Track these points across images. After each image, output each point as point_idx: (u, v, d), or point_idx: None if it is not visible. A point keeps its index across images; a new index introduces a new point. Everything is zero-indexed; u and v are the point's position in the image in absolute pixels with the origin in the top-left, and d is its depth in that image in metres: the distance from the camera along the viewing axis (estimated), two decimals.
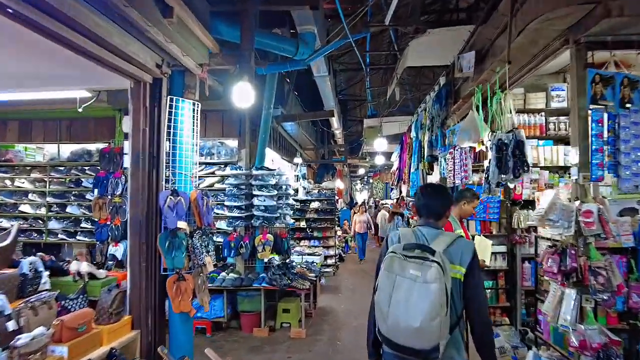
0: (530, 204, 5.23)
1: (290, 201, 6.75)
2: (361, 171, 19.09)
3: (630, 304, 3.20)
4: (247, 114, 6.73)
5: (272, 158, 7.12)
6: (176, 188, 3.72)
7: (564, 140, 5.29)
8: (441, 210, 2.29)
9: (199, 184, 6.89)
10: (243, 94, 3.76)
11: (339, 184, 16.61)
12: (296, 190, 10.09)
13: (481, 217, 5.35)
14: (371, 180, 25.79)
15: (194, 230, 3.79)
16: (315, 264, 7.42)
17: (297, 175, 9.85)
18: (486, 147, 4.28)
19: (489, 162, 3.62)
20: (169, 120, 3.74)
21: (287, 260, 6.90)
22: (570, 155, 3.24)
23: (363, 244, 12.86)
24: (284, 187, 6.57)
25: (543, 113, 5.28)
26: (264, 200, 6.19)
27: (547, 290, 4.26)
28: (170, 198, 3.58)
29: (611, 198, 3.65)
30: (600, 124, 3.13)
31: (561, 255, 3.20)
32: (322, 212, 10.83)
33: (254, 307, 6.29)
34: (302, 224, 10.64)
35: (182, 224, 3.63)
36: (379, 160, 11.13)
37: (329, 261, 10.64)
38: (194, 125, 3.96)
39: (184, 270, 3.70)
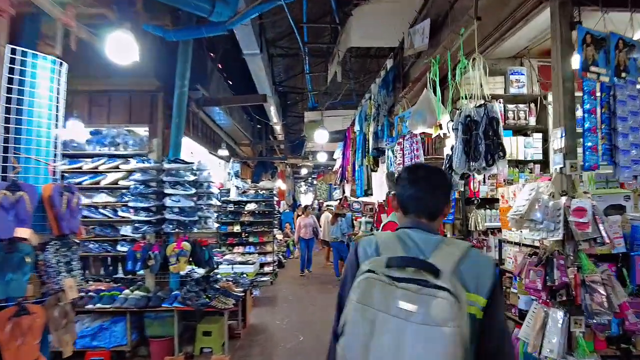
0: (488, 202, 4.59)
1: (214, 202, 5.64)
2: (304, 171, 18.16)
3: (626, 326, 2.52)
4: (161, 95, 5.56)
5: (193, 151, 5.98)
6: (16, 179, 2.53)
7: (523, 131, 4.72)
8: (440, 204, 1.48)
9: (98, 181, 5.59)
10: (121, 48, 2.67)
11: (280, 184, 15.60)
12: (228, 190, 8.94)
13: None
14: (315, 182, 25.02)
15: (47, 241, 2.63)
16: (245, 275, 6.36)
17: (230, 173, 8.71)
18: (443, 134, 3.53)
19: (452, 148, 2.83)
20: (11, 80, 2.57)
21: (211, 273, 5.78)
22: (553, 139, 2.51)
23: (308, 252, 10.90)
24: (205, 184, 5.46)
25: (501, 100, 4.66)
26: (179, 201, 5.05)
27: (514, 305, 3.61)
28: (4, 193, 2.40)
29: (593, 193, 3.00)
30: (593, 97, 2.44)
31: (546, 266, 2.46)
32: (259, 215, 9.75)
33: (165, 331, 5.11)
34: (236, 228, 9.50)
35: (23, 232, 2.46)
36: (322, 158, 10.25)
37: (266, 269, 9.59)
38: (56, 93, 2.80)
39: (31, 300, 2.54)
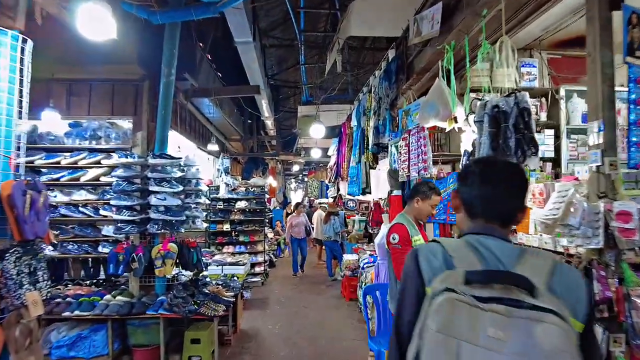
0: None
1: (202, 200, 5.27)
2: (296, 168, 17.76)
3: None
4: (146, 84, 5.16)
5: (180, 145, 5.59)
6: None
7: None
8: (517, 209, 1.24)
9: (78, 177, 5.18)
10: (94, 22, 2.30)
11: (271, 181, 15.21)
12: (217, 188, 8.55)
13: (440, 219, 4.32)
14: (306, 179, 24.63)
15: (7, 249, 2.25)
16: (236, 278, 6.00)
17: (219, 170, 8.31)
18: (458, 128, 3.21)
19: (474, 144, 2.52)
20: None
21: (200, 276, 5.41)
22: (589, 133, 2.21)
23: (301, 252, 10.31)
24: (193, 181, 5.08)
25: None
26: (165, 199, 4.67)
27: None
28: None
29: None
30: (639, 85, 2.14)
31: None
32: (249, 213, 9.38)
33: (150, 340, 4.75)
34: (226, 226, 9.11)
35: None
36: (316, 154, 9.87)
37: (257, 269, 9.23)
38: (19, 75, 2.41)
39: None
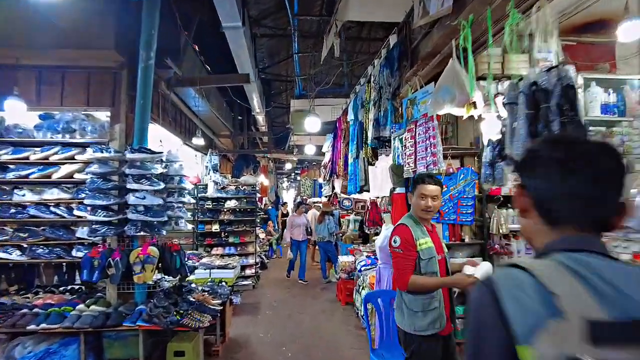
0: (510, 201, 3.95)
1: (187, 199, 4.81)
2: (288, 166, 17.28)
3: None
4: (125, 73, 4.69)
5: (163, 139, 5.13)
6: None
7: None
8: (620, 206, 0.86)
9: (49, 173, 4.70)
10: None
11: (263, 180, 14.76)
12: (205, 186, 8.08)
13: (450, 220, 3.93)
14: (299, 178, 24.18)
15: None
16: (224, 283, 5.56)
17: (207, 167, 7.85)
18: (478, 115, 2.82)
19: (504, 131, 2.12)
20: None
21: (184, 282, 4.96)
22: None
23: (301, 256, 9.49)
24: (176, 178, 4.63)
25: None
26: (144, 198, 4.21)
27: None
28: None
29: None
30: None
31: None
32: (240, 213, 8.93)
33: (129, 353, 4.30)
34: (215, 227, 8.65)
35: None
36: (310, 150, 9.40)
37: (248, 271, 8.79)
38: None
39: None
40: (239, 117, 10.16)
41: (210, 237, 8.67)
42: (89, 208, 4.37)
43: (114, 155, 4.28)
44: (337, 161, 7.42)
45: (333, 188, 8.46)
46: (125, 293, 4.53)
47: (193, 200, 4.98)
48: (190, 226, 4.80)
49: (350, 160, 6.29)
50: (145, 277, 4.23)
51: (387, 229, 4.64)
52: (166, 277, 4.86)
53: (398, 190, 4.32)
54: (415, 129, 3.68)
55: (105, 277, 4.26)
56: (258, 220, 9.51)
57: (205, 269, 6.49)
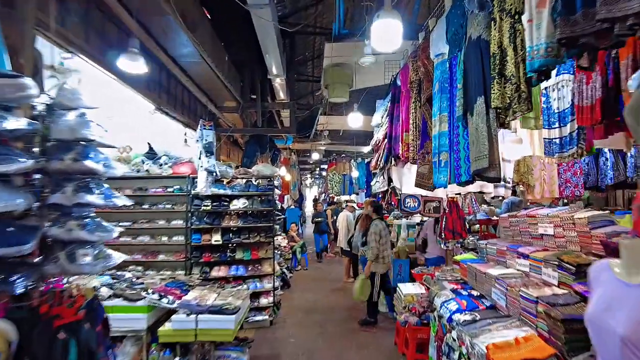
0: None
1: (121, 200, 2.11)
2: (315, 157, 14.33)
3: None
4: None
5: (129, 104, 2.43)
6: None
7: None
8: None
9: None
10: None
11: (284, 172, 12.06)
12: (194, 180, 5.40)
13: None
14: (324, 173, 21.31)
15: None
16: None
17: (198, 148, 5.09)
18: None
19: None
20: None
21: None
22: None
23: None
24: (77, 149, 1.93)
25: None
26: None
27: None
28: None
29: None
30: None
31: None
32: (251, 217, 6.24)
33: None
34: (216, 238, 5.99)
35: None
36: (355, 121, 6.32)
37: (264, 300, 6.11)
38: None
39: None
40: (252, 95, 7.29)
41: (209, 252, 6.00)
42: None
43: None
44: (400, 136, 4.61)
45: (390, 180, 5.61)
46: None
47: (128, 203, 2.21)
48: (115, 259, 2.06)
49: (438, 128, 3.49)
50: None
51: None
52: None
53: None
54: None
55: None
56: (277, 227, 6.77)
57: (187, 315, 3.82)
